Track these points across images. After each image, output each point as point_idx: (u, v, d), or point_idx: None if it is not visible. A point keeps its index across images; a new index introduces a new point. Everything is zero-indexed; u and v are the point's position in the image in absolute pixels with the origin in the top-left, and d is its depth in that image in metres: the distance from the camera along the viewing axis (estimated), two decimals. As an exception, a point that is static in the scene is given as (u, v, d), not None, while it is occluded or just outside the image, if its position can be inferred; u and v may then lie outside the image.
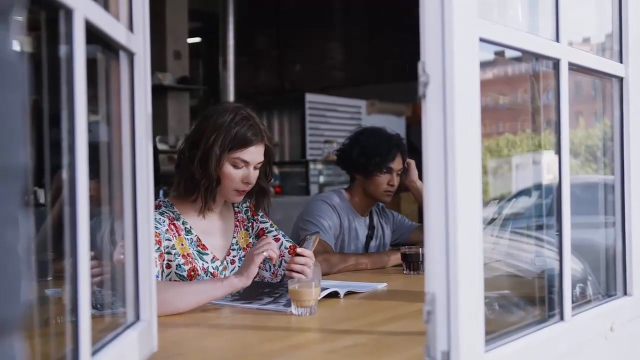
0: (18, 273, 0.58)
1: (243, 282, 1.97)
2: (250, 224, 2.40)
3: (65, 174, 1.00)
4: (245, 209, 2.41)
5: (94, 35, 1.10)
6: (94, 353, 1.07)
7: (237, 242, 2.35)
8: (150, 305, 1.38)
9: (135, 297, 1.36)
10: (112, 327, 1.30)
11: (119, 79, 1.34)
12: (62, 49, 1.00)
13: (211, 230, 2.28)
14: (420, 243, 2.93)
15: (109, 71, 1.33)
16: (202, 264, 2.20)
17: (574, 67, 1.56)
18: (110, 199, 1.38)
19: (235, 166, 2.18)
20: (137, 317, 1.36)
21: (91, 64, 1.07)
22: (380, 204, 3.19)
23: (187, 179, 2.19)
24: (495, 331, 1.31)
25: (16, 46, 0.60)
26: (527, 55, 1.59)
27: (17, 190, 0.58)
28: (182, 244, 2.18)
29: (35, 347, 1.09)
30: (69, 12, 0.98)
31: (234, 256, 2.33)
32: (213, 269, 2.23)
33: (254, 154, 2.20)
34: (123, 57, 1.33)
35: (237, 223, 2.37)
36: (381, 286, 2.33)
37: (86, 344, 1.01)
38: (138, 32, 1.36)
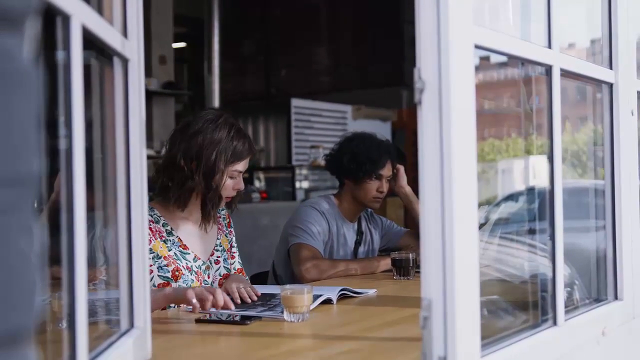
0: (33, 281, 0.57)
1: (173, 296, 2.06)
2: (228, 230, 2.51)
3: (62, 180, 0.99)
4: (223, 216, 2.51)
5: (88, 41, 1.09)
6: (90, 361, 1.07)
7: (220, 243, 2.43)
8: (144, 312, 1.37)
9: (129, 305, 1.35)
10: (105, 335, 1.29)
11: (112, 85, 1.33)
12: (59, 55, 0.99)
13: (194, 232, 2.35)
14: (409, 248, 2.94)
15: (103, 77, 1.33)
16: (186, 263, 2.27)
17: (565, 73, 1.57)
18: (104, 205, 1.37)
19: (232, 177, 2.30)
20: (132, 325, 1.35)
21: (84, 70, 1.06)
22: (369, 210, 3.19)
23: (186, 192, 2.26)
24: (490, 336, 1.32)
25: (29, 55, 0.60)
26: (513, 61, 1.60)
27: (30, 198, 0.58)
28: (161, 247, 2.24)
29: None
30: (66, 19, 0.98)
31: (217, 256, 2.41)
32: (197, 267, 2.30)
33: (247, 163, 2.34)
34: (117, 63, 1.32)
35: (220, 226, 2.46)
36: (372, 292, 2.34)
37: (83, 352, 1.00)
38: (132, 38, 1.35)
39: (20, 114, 0.56)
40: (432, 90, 1.16)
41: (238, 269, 2.48)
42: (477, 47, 1.25)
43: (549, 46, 1.51)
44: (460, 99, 1.17)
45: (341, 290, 2.18)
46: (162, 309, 2.13)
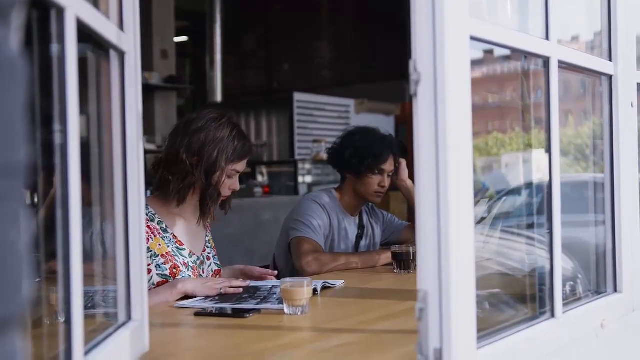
0: (20, 270, 0.58)
1: (185, 288, 2.12)
2: (210, 230, 2.54)
3: (57, 175, 0.99)
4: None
5: (84, 34, 1.09)
6: (86, 353, 1.07)
7: (209, 240, 2.47)
8: (142, 305, 1.38)
9: (126, 297, 1.35)
10: (102, 327, 1.29)
11: (109, 78, 1.33)
12: (54, 48, 0.99)
13: (186, 229, 2.38)
14: (410, 242, 2.94)
15: (99, 70, 1.33)
16: (183, 260, 2.29)
17: (563, 65, 1.56)
18: (101, 200, 1.37)
19: (230, 176, 2.32)
20: (129, 317, 1.36)
21: (80, 63, 1.06)
22: (370, 204, 3.19)
23: (187, 187, 2.28)
24: (487, 328, 1.32)
25: (16, 45, 0.60)
26: (516, 54, 1.60)
27: (18, 187, 0.58)
28: (160, 244, 2.26)
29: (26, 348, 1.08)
30: (60, 11, 0.98)
31: (208, 253, 2.44)
32: (192, 263, 2.32)
33: (245, 164, 2.37)
34: (113, 56, 1.32)
35: (208, 225, 2.49)
36: (339, 283, 2.36)
37: (79, 344, 1.00)
38: (129, 30, 1.35)
39: (7, 104, 0.56)
40: (427, 82, 1.16)
41: (215, 270, 2.47)
42: (473, 38, 1.24)
43: (547, 38, 1.51)
44: (455, 91, 1.17)
45: (322, 286, 2.21)
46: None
